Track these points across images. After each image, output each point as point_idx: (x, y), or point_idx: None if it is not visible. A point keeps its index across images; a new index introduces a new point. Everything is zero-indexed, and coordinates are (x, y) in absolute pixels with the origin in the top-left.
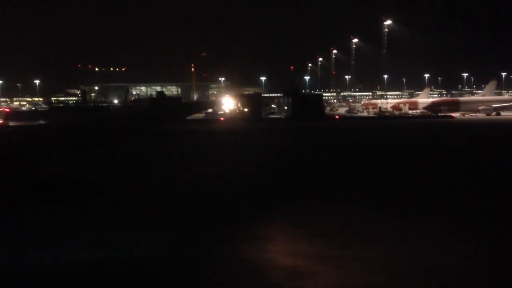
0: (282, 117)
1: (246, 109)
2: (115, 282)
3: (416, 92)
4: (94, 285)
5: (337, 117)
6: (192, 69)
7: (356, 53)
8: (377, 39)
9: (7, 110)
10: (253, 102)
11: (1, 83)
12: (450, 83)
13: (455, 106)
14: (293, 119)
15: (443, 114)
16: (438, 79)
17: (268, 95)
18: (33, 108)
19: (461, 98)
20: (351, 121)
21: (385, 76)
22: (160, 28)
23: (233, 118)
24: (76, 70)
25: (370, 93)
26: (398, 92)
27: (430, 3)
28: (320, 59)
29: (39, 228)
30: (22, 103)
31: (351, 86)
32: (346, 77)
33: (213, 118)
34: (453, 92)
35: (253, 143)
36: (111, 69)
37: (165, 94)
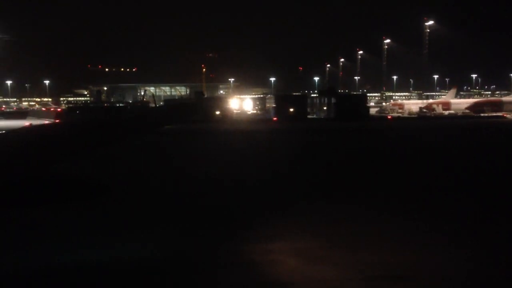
0: (322, 117)
1: (291, 109)
2: (116, 282)
3: (424, 93)
4: (95, 285)
5: (389, 117)
6: (204, 69)
7: (364, 54)
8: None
9: (59, 110)
10: (299, 102)
11: (11, 83)
12: (457, 84)
13: (497, 106)
14: (338, 120)
15: (486, 114)
16: (446, 80)
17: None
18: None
19: (503, 98)
20: (408, 122)
21: (394, 77)
22: (168, 29)
23: (282, 118)
24: (85, 71)
25: (379, 94)
26: (406, 93)
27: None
28: (340, 60)
29: (42, 228)
30: (31, 103)
31: (359, 87)
32: (356, 78)
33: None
34: (462, 93)
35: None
36: (122, 69)
37: (204, 94)
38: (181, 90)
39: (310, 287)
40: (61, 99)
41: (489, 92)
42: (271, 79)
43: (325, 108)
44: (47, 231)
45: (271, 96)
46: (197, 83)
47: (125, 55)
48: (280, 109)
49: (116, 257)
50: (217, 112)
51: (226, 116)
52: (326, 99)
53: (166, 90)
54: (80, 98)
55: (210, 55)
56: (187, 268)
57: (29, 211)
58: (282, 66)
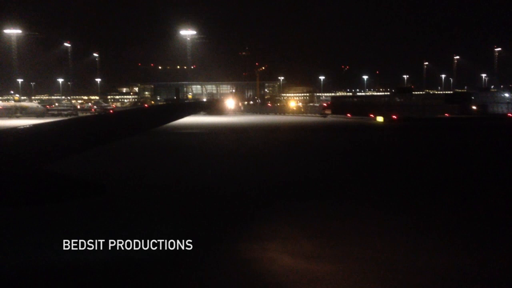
0: None
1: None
2: (111, 281)
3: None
4: (94, 285)
5: None
6: (262, 68)
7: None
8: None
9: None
10: None
11: (62, 81)
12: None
13: None
14: None
15: None
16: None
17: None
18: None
19: None
20: None
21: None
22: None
23: None
24: (133, 69)
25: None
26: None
27: None
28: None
29: (37, 227)
30: (79, 101)
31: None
32: (404, 76)
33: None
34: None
35: None
36: (178, 67)
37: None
38: (226, 89)
39: (307, 285)
40: (109, 97)
41: None
42: (320, 77)
43: None
44: (41, 230)
45: None
46: (241, 81)
47: (172, 53)
48: None
49: (111, 256)
50: None
51: None
52: None
53: (211, 88)
54: (127, 97)
55: (244, 53)
56: (183, 268)
57: (24, 210)
58: (327, 64)
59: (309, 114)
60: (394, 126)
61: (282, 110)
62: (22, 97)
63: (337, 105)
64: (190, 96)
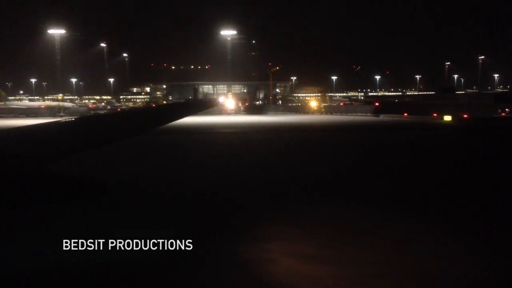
0: None
1: None
2: (115, 282)
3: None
4: (94, 285)
5: None
6: (276, 68)
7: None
8: None
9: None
10: None
11: (75, 81)
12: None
13: None
14: None
15: None
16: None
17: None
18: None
19: None
20: None
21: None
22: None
23: None
24: (145, 69)
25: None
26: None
27: None
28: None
29: (38, 228)
30: (91, 101)
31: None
32: (417, 76)
33: None
34: None
35: None
36: (192, 67)
37: None
38: (237, 88)
39: (306, 286)
40: (121, 97)
41: None
42: (333, 77)
43: None
44: (43, 231)
45: None
46: (253, 82)
47: (183, 53)
48: None
49: (111, 256)
50: None
51: None
52: None
53: (222, 88)
54: (139, 97)
55: (253, 53)
56: (182, 268)
57: (25, 211)
58: (338, 64)
59: (359, 114)
60: (467, 125)
61: (304, 110)
62: (66, 97)
63: (386, 105)
64: (229, 95)
